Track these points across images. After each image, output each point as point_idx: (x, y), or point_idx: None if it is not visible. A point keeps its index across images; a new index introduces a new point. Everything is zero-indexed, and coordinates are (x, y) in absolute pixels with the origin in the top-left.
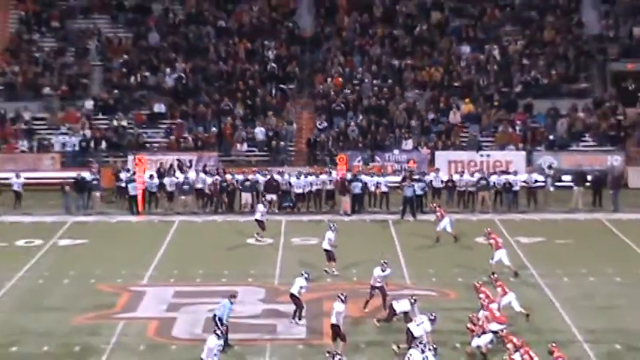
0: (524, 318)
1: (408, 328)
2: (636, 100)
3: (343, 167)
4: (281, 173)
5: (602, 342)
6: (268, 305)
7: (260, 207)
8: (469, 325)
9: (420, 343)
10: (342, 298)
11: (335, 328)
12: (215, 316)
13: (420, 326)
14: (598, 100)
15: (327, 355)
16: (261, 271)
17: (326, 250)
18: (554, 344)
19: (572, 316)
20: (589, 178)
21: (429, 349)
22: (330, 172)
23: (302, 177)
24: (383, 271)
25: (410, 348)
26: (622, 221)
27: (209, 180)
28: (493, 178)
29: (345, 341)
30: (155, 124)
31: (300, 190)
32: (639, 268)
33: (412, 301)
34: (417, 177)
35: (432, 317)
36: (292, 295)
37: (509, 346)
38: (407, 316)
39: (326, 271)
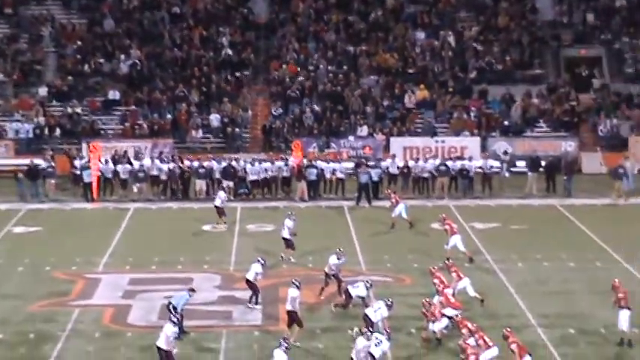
0: (479, 303)
1: (366, 314)
2: (590, 86)
3: (299, 154)
4: (236, 160)
5: (556, 326)
6: (224, 292)
7: (221, 194)
8: (424, 310)
9: (369, 331)
10: (297, 284)
11: (291, 314)
12: (170, 304)
13: (378, 312)
14: (552, 86)
15: (283, 341)
16: (217, 257)
17: (285, 239)
18: (508, 329)
19: (526, 301)
20: (543, 163)
21: (384, 335)
22: (286, 159)
23: (257, 164)
24: (339, 259)
25: (372, 333)
26: (576, 207)
27: (165, 167)
28: (448, 164)
29: (302, 327)
30: (110, 111)
31: (255, 177)
32: (593, 253)
33: (368, 285)
34: (372, 163)
35: (389, 303)
36: (248, 281)
37: (464, 331)
38: (364, 301)
39: (282, 257)
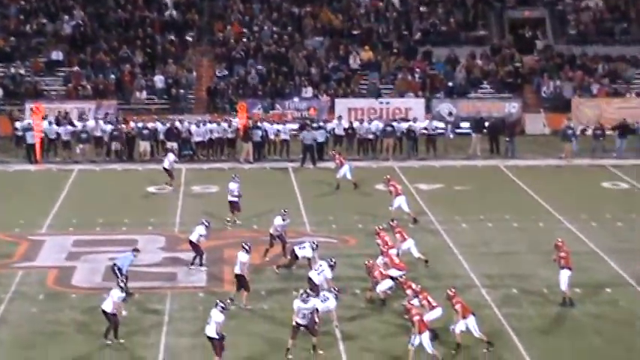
0: (423, 264)
1: (309, 277)
2: (533, 48)
3: (243, 115)
4: (180, 121)
5: (499, 287)
6: (168, 253)
7: (170, 156)
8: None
9: (307, 293)
10: (247, 248)
11: (239, 278)
12: (115, 265)
13: (321, 274)
14: (496, 47)
15: (229, 302)
16: (162, 219)
17: (231, 202)
18: (452, 289)
19: (470, 261)
20: (487, 124)
21: (331, 292)
22: (230, 120)
23: (202, 125)
24: (283, 220)
25: (315, 295)
26: (519, 167)
27: (109, 128)
28: (393, 125)
29: (249, 291)
30: (53, 72)
31: (200, 139)
32: (536, 214)
33: (314, 246)
34: (316, 124)
35: (332, 263)
36: (191, 243)
37: (408, 292)
38: (310, 262)
39: (227, 220)
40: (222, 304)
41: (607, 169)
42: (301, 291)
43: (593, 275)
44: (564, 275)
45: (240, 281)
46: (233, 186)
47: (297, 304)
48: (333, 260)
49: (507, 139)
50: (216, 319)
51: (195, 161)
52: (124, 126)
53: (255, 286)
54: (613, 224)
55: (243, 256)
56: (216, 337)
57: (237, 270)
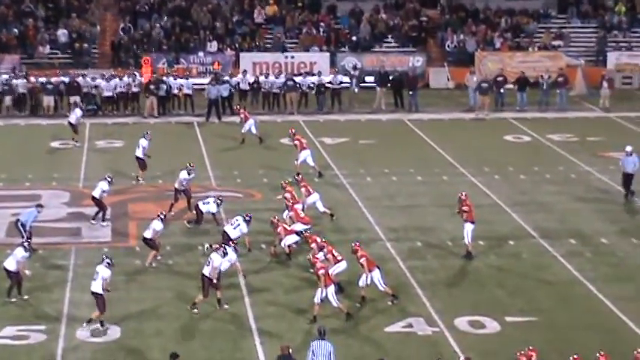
0: (328, 218)
1: (225, 231)
2: (437, 2)
3: (148, 70)
4: (83, 76)
5: (404, 240)
6: (73, 209)
7: (77, 111)
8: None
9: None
10: (162, 217)
11: (148, 241)
12: (18, 221)
13: (237, 228)
14: (400, 1)
15: (105, 257)
16: (66, 174)
17: (138, 158)
18: (357, 243)
19: (375, 215)
20: (391, 79)
21: (229, 246)
22: (134, 75)
23: (111, 80)
24: (189, 174)
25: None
26: (423, 121)
27: (15, 82)
28: (298, 80)
29: (158, 251)
30: None
31: (109, 93)
32: (440, 167)
33: (218, 201)
34: (222, 79)
35: (248, 218)
36: (94, 198)
37: (313, 245)
38: (214, 217)
39: (137, 178)
40: (109, 260)
41: (509, 122)
42: (206, 245)
43: (496, 228)
44: (467, 229)
45: (149, 244)
46: (144, 143)
47: (217, 258)
48: (249, 215)
49: (410, 92)
50: (103, 275)
51: (99, 116)
52: (24, 80)
53: (160, 241)
54: (515, 177)
55: (157, 225)
56: (102, 292)
57: (147, 234)
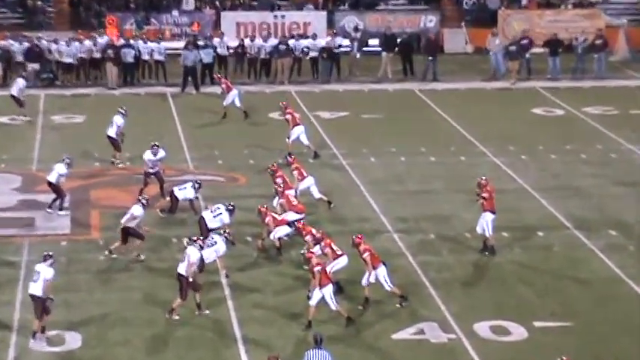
0: (325, 206)
1: (202, 218)
2: None
3: (113, 31)
4: (38, 39)
5: (414, 231)
6: (25, 195)
7: (20, 81)
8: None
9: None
10: (144, 202)
11: (126, 230)
12: None
13: (218, 217)
14: None
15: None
16: (17, 155)
17: (111, 138)
18: (359, 235)
19: (380, 202)
20: (399, 42)
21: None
22: (96, 38)
23: (72, 44)
24: (154, 154)
25: (205, 238)
26: (437, 92)
27: None
28: (292, 43)
29: (143, 239)
30: None
31: (70, 60)
32: (456, 145)
33: (196, 186)
34: (201, 42)
35: (231, 207)
36: (50, 184)
37: (308, 238)
38: (192, 205)
39: (112, 161)
40: (52, 258)
41: (538, 92)
42: (186, 239)
43: (523, 217)
44: (487, 219)
45: (126, 232)
46: (119, 120)
47: (194, 253)
48: (232, 204)
49: (430, 57)
50: (45, 276)
51: (57, 86)
52: None
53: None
54: (545, 157)
55: (137, 210)
56: (42, 296)
57: (126, 222)
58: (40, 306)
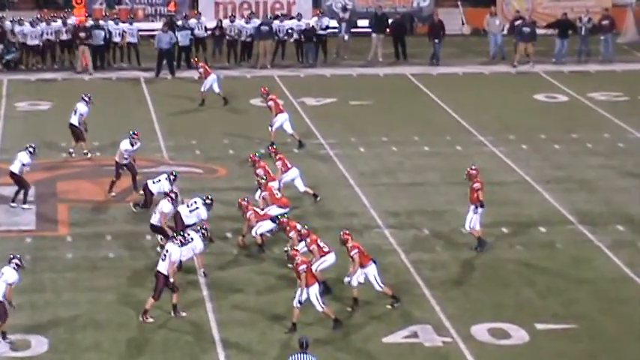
0: (311, 199)
1: (178, 213)
2: None
3: (82, 11)
4: (1, 19)
5: (407, 227)
6: None
7: None
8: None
9: (180, 234)
10: (172, 197)
11: (156, 228)
12: None
13: (194, 212)
14: None
15: (13, 257)
16: None
17: (73, 126)
18: (347, 231)
19: (370, 195)
20: (390, 22)
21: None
22: (65, 18)
23: (38, 24)
24: (132, 145)
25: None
26: (432, 76)
27: None
28: (275, 25)
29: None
30: None
31: (36, 42)
32: (451, 134)
33: (172, 178)
34: (179, 23)
35: (209, 201)
36: (13, 175)
37: (293, 234)
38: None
39: (71, 152)
40: (18, 260)
41: (541, 77)
42: (159, 236)
43: (524, 211)
44: (474, 213)
45: (158, 232)
46: (82, 108)
47: (175, 250)
48: (210, 198)
49: (436, 41)
50: (7, 278)
51: (21, 70)
52: None
53: (98, 229)
54: (548, 147)
55: (165, 206)
56: (1, 300)
57: (154, 220)
58: (1, 309)
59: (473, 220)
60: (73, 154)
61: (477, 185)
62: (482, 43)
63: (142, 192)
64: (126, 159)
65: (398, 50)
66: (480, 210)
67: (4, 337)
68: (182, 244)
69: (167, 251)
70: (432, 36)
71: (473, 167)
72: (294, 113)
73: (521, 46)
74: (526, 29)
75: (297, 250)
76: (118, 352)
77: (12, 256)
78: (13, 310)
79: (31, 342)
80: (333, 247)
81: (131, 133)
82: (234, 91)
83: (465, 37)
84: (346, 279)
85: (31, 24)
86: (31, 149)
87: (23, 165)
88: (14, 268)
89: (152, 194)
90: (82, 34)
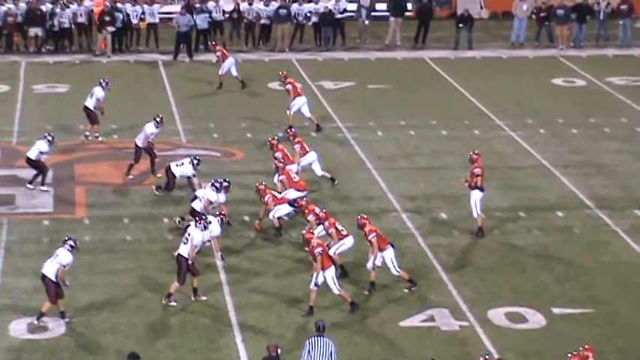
0: (329, 183)
1: (195, 196)
2: None
3: None
4: (39, 1)
5: (424, 211)
6: (4, 170)
7: None
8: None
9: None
10: (217, 185)
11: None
12: None
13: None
14: None
15: (68, 239)
16: None
17: (87, 109)
18: (364, 216)
19: (388, 179)
20: (410, 6)
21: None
22: (82, 1)
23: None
24: (157, 127)
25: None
26: (450, 61)
27: None
28: (293, 8)
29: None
30: None
31: (66, 24)
32: (469, 118)
33: (195, 162)
34: (197, 5)
35: (218, 185)
36: (30, 160)
37: (311, 218)
38: (190, 182)
39: (86, 135)
40: (73, 242)
41: (559, 61)
42: (177, 218)
43: (541, 196)
44: (475, 197)
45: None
46: (100, 93)
47: (197, 234)
48: (228, 180)
49: (467, 25)
50: (62, 260)
51: (40, 53)
52: None
53: (115, 212)
54: (566, 131)
55: (211, 194)
56: (54, 280)
57: (196, 206)
58: (52, 289)
59: (478, 205)
60: (89, 137)
61: (477, 170)
62: (501, 27)
63: (159, 175)
64: (147, 142)
65: (419, 34)
66: (480, 194)
67: (63, 316)
68: (204, 228)
69: (189, 234)
70: (460, 20)
71: (475, 152)
72: (312, 97)
73: (558, 29)
74: (560, 11)
75: (312, 234)
76: (135, 335)
77: (67, 238)
78: (67, 288)
79: (49, 324)
80: (351, 231)
81: (157, 116)
82: (252, 74)
83: (484, 20)
84: (369, 264)
85: (62, 7)
86: (50, 138)
87: (41, 153)
88: (69, 250)
89: (175, 177)
90: (107, 18)
